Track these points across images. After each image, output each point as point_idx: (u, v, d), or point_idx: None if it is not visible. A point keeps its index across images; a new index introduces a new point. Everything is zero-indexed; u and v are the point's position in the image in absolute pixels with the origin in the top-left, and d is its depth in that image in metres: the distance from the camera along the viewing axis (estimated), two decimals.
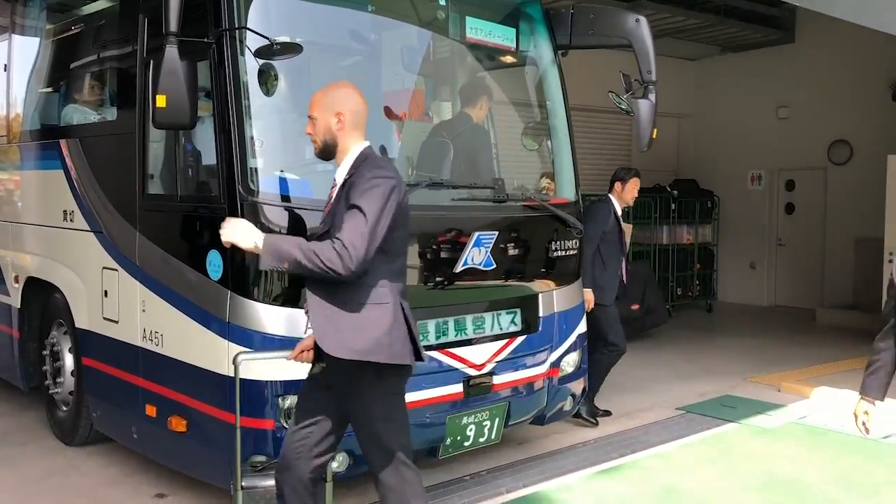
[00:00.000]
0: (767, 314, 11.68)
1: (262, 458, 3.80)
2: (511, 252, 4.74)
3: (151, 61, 4.07)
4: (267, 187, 3.80)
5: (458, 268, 4.37)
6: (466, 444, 4.47)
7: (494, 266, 4.56)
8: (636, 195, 6.21)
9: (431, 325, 4.28)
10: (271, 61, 3.76)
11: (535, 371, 4.83)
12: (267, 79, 3.82)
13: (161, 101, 3.55)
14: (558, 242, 5.07)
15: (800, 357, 8.31)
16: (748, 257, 12.52)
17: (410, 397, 4.06)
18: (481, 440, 4.54)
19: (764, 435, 5.77)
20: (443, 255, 4.37)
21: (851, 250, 11.11)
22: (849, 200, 11.20)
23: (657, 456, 5.30)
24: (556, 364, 4.99)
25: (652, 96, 4.82)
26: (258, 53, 3.72)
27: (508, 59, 5.31)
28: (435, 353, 4.26)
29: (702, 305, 12.13)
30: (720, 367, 7.87)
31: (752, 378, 7.39)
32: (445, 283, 4.38)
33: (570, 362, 5.14)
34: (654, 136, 4.93)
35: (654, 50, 4.83)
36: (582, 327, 5.30)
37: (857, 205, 10.86)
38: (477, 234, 4.44)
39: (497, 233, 4.57)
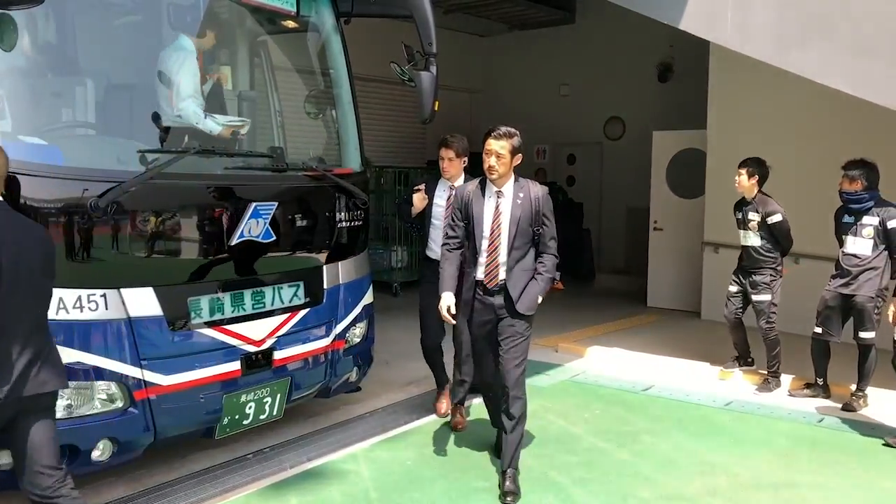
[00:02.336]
0: None
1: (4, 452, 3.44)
2: (292, 224, 4.64)
3: None
4: (7, 153, 3.39)
5: (234, 240, 4.20)
6: (246, 422, 4.34)
7: (274, 238, 4.44)
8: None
9: (204, 301, 4.09)
10: (7, 11, 3.36)
11: (319, 344, 4.78)
12: (4, 31, 3.40)
13: None
14: (343, 213, 5.03)
15: (576, 319, 8.88)
16: None
17: (181, 378, 3.93)
18: (262, 417, 4.43)
19: (540, 393, 6.11)
20: (217, 227, 4.19)
21: (624, 219, 12.06)
22: (622, 173, 12.10)
23: (441, 421, 5.46)
24: (341, 336, 4.97)
25: (433, 68, 4.87)
26: None
27: (290, 23, 5.15)
28: (209, 331, 4.09)
29: None
30: None
31: (533, 341, 7.77)
32: (220, 256, 4.19)
33: (357, 333, 5.16)
34: (437, 108, 4.99)
35: (434, 22, 4.87)
36: (368, 298, 5.30)
37: (629, 177, 11.74)
38: (254, 204, 4.29)
39: (276, 203, 4.45)
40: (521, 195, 4.27)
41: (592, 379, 6.66)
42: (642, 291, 10.26)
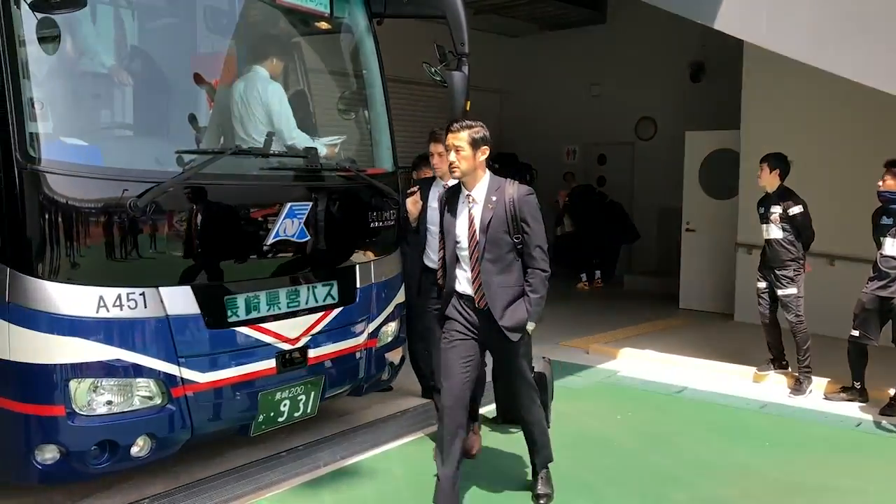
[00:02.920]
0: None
1: (51, 447, 3.52)
2: (326, 223, 4.67)
3: None
4: (50, 154, 3.48)
5: (270, 240, 4.25)
6: (280, 419, 4.37)
7: (309, 237, 4.47)
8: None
9: (241, 299, 4.13)
10: (51, 15, 3.42)
11: (352, 342, 4.80)
12: (47, 35, 3.47)
13: None
14: (375, 213, 5.05)
15: (608, 321, 8.83)
16: (564, 229, 13.11)
17: (218, 375, 3.97)
18: (296, 415, 4.46)
19: (573, 395, 6.09)
20: (253, 226, 4.23)
21: (655, 220, 11.95)
22: (653, 174, 11.99)
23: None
24: (374, 335, 4.99)
25: (465, 68, 4.86)
26: (35, 6, 3.38)
27: (322, 25, 5.20)
28: (245, 329, 4.12)
29: None
30: (533, 334, 8.12)
31: (563, 343, 7.78)
32: (256, 255, 4.24)
33: (389, 332, 5.17)
34: (468, 108, 4.99)
35: (467, 22, 4.88)
36: (400, 297, 5.32)
37: (661, 178, 11.63)
38: (289, 204, 4.33)
39: (311, 203, 4.49)
40: (495, 199, 3.84)
41: (625, 381, 6.62)
42: (674, 293, 10.17)
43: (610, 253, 11.99)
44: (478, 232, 3.82)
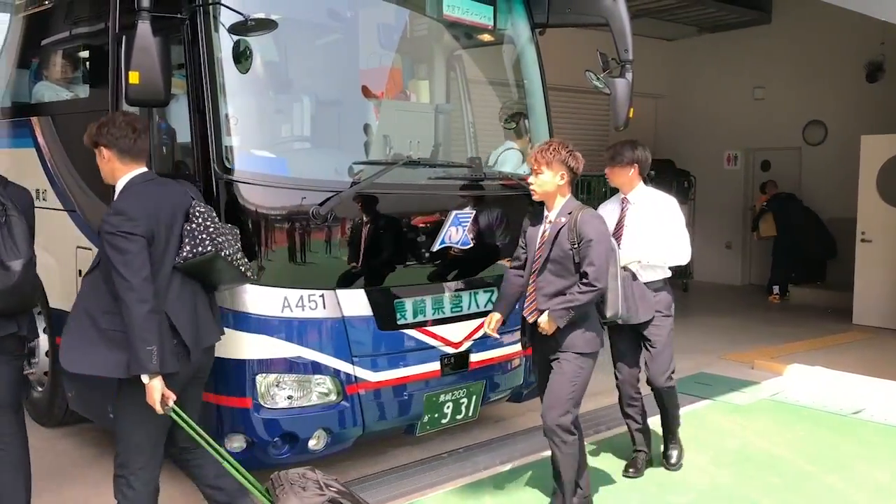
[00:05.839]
0: (742, 293, 11.82)
1: (239, 436, 3.80)
2: (488, 230, 4.76)
3: (124, 37, 3.99)
4: (243, 165, 3.77)
5: (436, 246, 4.39)
6: (444, 421, 4.50)
7: (472, 244, 4.58)
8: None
9: (409, 303, 4.29)
10: (245, 38, 3.72)
11: (511, 349, 4.84)
12: (241, 55, 3.77)
13: (134, 77, 3.50)
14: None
15: (773, 335, 8.42)
16: (724, 237, 12.63)
17: (388, 375, 4.14)
18: (459, 417, 4.57)
19: (737, 411, 5.85)
20: (421, 233, 4.39)
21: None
22: (823, 181, 11.32)
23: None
24: None
25: (629, 75, 4.82)
26: (232, 30, 3.69)
27: (485, 37, 5.30)
28: (412, 332, 4.28)
29: (678, 285, 12.16)
30: (695, 346, 7.87)
31: (726, 356, 7.48)
32: (422, 261, 4.39)
33: None
34: (631, 115, 4.93)
35: (630, 29, 4.83)
36: None
37: (831, 185, 10.97)
38: (454, 212, 4.46)
39: (474, 211, 4.59)
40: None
41: (793, 399, 6.28)
42: (846, 307, 9.54)
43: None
44: None
